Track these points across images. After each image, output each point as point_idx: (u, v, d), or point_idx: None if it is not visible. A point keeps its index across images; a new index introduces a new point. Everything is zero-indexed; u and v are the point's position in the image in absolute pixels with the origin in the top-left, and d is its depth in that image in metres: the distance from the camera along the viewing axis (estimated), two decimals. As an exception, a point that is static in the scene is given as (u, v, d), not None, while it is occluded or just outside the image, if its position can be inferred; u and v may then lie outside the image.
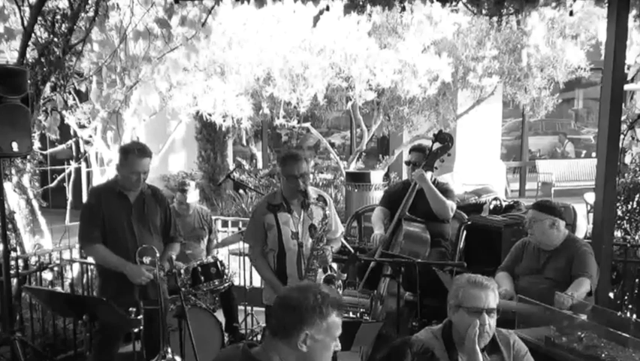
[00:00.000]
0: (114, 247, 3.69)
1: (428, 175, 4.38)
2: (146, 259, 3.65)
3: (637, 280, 4.93)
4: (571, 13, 4.78)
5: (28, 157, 5.00)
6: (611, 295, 4.69)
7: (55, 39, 4.85)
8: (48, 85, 4.91)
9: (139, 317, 3.52)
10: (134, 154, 3.68)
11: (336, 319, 2.03)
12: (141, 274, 3.62)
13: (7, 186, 4.89)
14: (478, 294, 2.59)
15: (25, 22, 4.81)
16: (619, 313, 4.19)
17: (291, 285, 2.12)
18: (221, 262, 4.92)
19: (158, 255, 3.69)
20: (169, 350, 3.56)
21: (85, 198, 4.37)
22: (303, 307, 1.97)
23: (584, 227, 5.57)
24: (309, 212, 3.68)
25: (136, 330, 3.65)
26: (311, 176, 10.83)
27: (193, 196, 5.24)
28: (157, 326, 3.58)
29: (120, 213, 3.74)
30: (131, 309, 3.46)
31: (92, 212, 3.74)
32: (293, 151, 3.91)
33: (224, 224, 6.63)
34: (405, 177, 9.06)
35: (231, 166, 10.87)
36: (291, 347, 1.99)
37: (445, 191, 4.43)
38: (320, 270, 3.71)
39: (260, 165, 12.41)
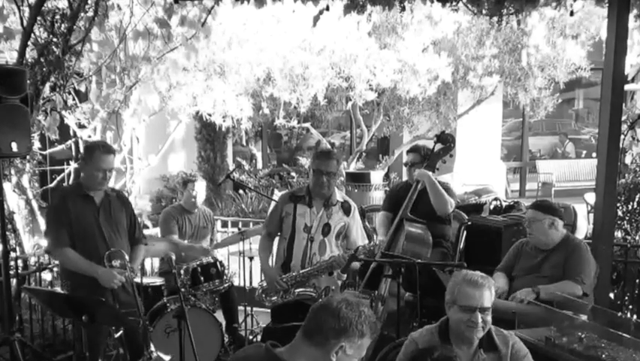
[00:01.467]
0: (83, 250, 3.65)
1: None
2: (116, 262, 3.63)
3: (637, 280, 4.92)
4: (571, 13, 4.76)
5: (28, 157, 4.98)
6: (612, 295, 4.69)
7: (55, 39, 4.84)
8: (47, 85, 4.90)
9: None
10: (99, 151, 3.66)
11: (368, 340, 2.09)
12: (113, 277, 3.58)
13: (7, 187, 4.87)
14: (472, 293, 2.62)
15: (25, 22, 4.80)
16: (619, 314, 4.19)
17: (339, 296, 2.16)
18: (220, 262, 4.92)
19: (127, 257, 3.67)
20: (152, 348, 3.55)
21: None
22: (349, 320, 2.03)
23: (584, 227, 5.57)
24: (329, 212, 3.78)
25: (117, 335, 3.61)
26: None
27: (201, 188, 5.22)
28: (135, 328, 3.56)
29: (87, 215, 3.70)
30: None
31: (59, 215, 3.68)
32: (328, 149, 4.03)
33: (224, 224, 6.62)
34: (405, 177, 9.05)
35: (231, 166, 10.85)
36: (322, 354, 2.03)
37: (447, 189, 4.43)
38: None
39: (260, 165, 12.39)
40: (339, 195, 3.93)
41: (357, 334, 2.03)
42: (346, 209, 3.89)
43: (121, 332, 3.49)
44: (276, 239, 4.08)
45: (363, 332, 2.04)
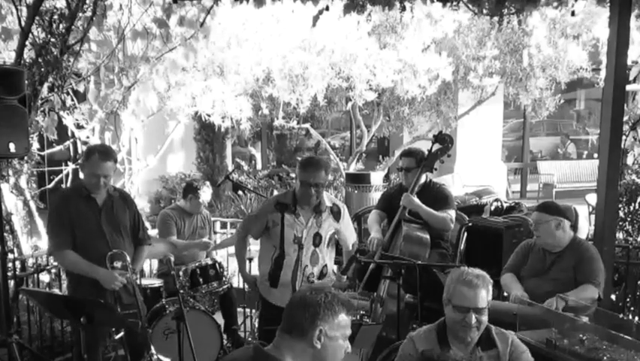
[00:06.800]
0: (85, 251, 3.61)
1: (423, 178, 4.33)
2: (117, 264, 3.60)
3: (639, 282, 4.89)
4: (572, 14, 4.75)
5: (26, 158, 4.96)
6: (613, 297, 4.66)
7: (53, 39, 4.82)
8: (46, 85, 4.88)
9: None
10: (95, 156, 3.61)
11: (346, 317, 2.13)
12: (114, 279, 3.56)
13: (5, 188, 4.87)
14: (466, 293, 2.61)
15: (23, 22, 4.78)
16: (621, 316, 4.16)
17: (304, 288, 2.32)
18: (219, 263, 4.90)
19: (129, 259, 3.65)
20: (153, 350, 3.52)
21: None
22: (317, 304, 2.08)
23: (585, 228, 5.55)
24: (319, 220, 3.68)
25: (117, 336, 3.58)
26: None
27: (207, 195, 5.19)
28: (135, 330, 3.53)
29: (89, 216, 3.66)
30: None
31: (60, 217, 3.65)
32: (315, 158, 3.76)
33: (224, 225, 6.59)
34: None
35: (230, 167, 10.83)
36: (306, 343, 2.07)
37: (445, 198, 4.32)
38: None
39: (259, 166, 12.38)
40: (328, 199, 3.78)
41: (329, 313, 2.07)
42: (336, 214, 3.77)
43: (122, 333, 3.47)
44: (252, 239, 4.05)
45: (335, 310, 2.09)
